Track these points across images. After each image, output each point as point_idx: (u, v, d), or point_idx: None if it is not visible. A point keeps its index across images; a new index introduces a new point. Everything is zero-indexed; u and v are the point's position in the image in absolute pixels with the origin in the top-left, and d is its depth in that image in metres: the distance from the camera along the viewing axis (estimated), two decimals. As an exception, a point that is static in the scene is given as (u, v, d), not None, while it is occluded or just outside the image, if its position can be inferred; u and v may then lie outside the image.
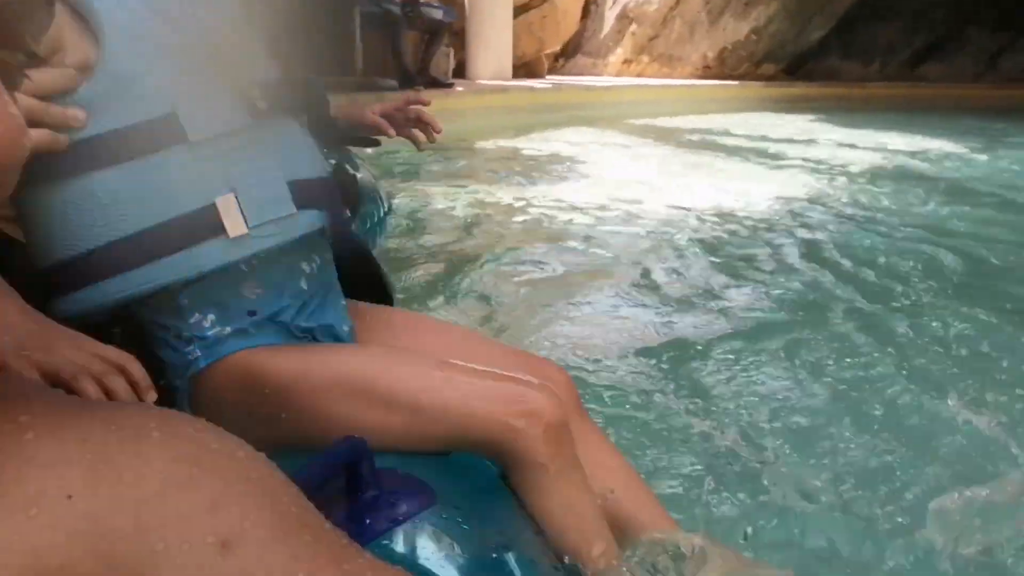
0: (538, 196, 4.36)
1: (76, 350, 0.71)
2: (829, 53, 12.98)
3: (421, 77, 7.56)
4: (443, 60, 9.02)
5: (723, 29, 12.30)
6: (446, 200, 4.19)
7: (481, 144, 6.60)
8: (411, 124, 1.28)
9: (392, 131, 1.27)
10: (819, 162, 5.84)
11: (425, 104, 1.31)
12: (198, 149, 0.79)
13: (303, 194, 0.85)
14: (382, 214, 2.83)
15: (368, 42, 7.14)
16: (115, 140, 0.77)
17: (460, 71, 10.08)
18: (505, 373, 0.90)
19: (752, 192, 4.49)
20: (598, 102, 9.63)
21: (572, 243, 3.36)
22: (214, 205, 0.79)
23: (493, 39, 10.16)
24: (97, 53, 0.78)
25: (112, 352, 0.74)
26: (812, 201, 4.31)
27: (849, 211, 4.09)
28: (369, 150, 1.93)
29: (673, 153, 6.56)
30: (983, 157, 6.38)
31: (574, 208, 4.07)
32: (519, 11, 11.05)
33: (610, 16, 13.20)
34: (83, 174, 0.77)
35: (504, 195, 4.39)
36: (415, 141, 1.30)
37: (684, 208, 4.06)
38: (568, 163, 5.80)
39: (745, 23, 12.09)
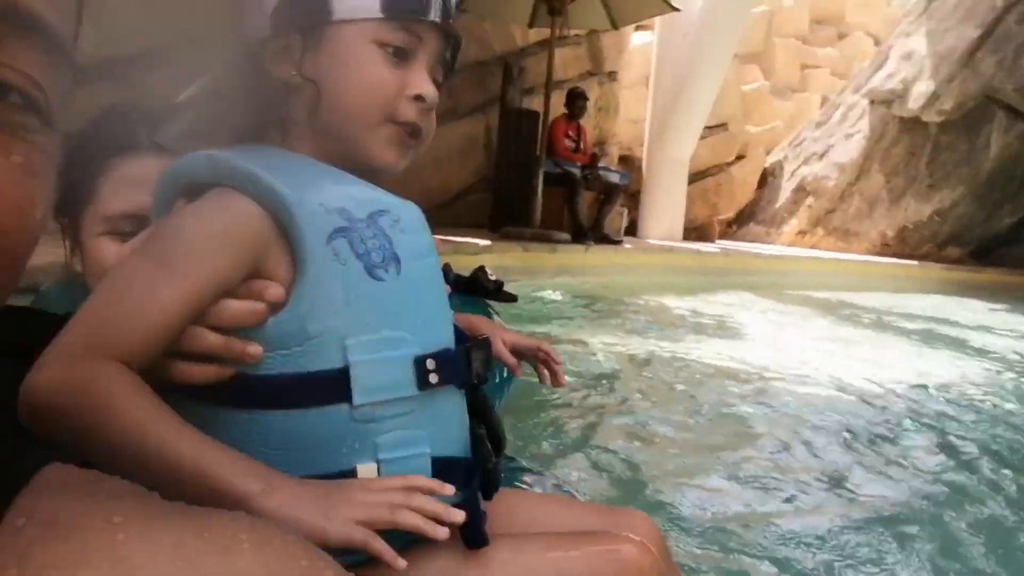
0: (686, 354, 4.51)
1: (366, 492, 0.71)
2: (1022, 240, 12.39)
3: (593, 233, 8.04)
4: (616, 218, 9.52)
5: (904, 209, 12.14)
6: (592, 350, 4.42)
7: (640, 299, 6.85)
8: (539, 363, 1.32)
9: (520, 371, 1.33)
10: (993, 353, 5.61)
11: (556, 361, 1.32)
12: (357, 413, 0.75)
13: (444, 474, 0.80)
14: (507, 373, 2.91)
15: (548, 198, 7.74)
16: (281, 384, 0.74)
17: (632, 229, 10.56)
18: (598, 533, 0.93)
19: (914, 377, 4.40)
20: (767, 270, 9.69)
21: (711, 407, 3.45)
22: (354, 470, 0.76)
23: (666, 203, 10.62)
24: (293, 290, 0.74)
25: (394, 480, 0.74)
26: (978, 393, 4.17)
27: (1014, 410, 3.92)
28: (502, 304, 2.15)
29: (838, 327, 6.50)
30: None
31: (721, 371, 4.17)
32: (695, 177, 11.54)
33: (787, 187, 13.40)
34: (237, 408, 0.74)
35: (651, 350, 4.56)
36: (540, 377, 1.33)
37: (838, 386, 4.06)
38: (724, 326, 5.90)
39: (928, 205, 11.88)
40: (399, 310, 0.77)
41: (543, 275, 6.83)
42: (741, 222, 13.75)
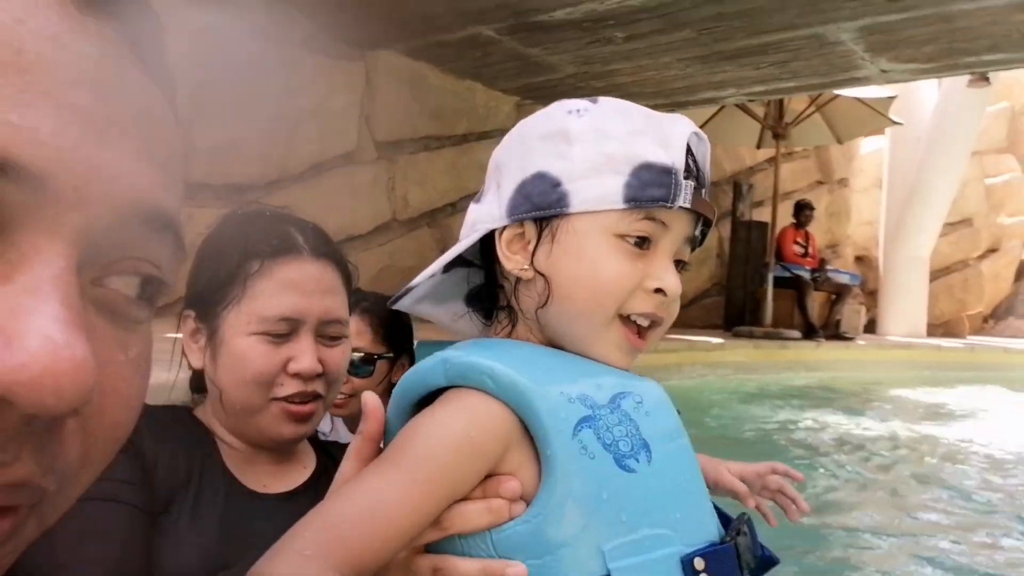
0: (906, 445, 4.97)
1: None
2: None
3: (825, 331, 8.66)
4: (853, 316, 9.98)
5: None
6: (814, 434, 5.09)
7: (873, 391, 7.32)
8: (770, 495, 1.22)
9: (752, 500, 1.20)
10: None
11: (796, 479, 1.23)
12: None
13: None
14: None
15: (778, 300, 8.54)
16: None
17: (872, 327, 10.85)
18: None
19: None
20: (1018, 364, 9.53)
21: (934, 503, 3.55)
22: None
23: (906, 300, 10.83)
24: (541, 490, 0.66)
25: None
26: None
27: None
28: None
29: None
30: None
31: (947, 461, 4.44)
32: (938, 274, 11.59)
33: (1049, 280, 12.81)
34: None
35: (875, 441, 5.05)
36: (766, 516, 1.21)
37: None
38: (959, 419, 6.13)
39: None
40: (656, 504, 0.69)
41: (774, 370, 7.58)
42: (999, 316, 13.26)
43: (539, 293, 0.76)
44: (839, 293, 9.00)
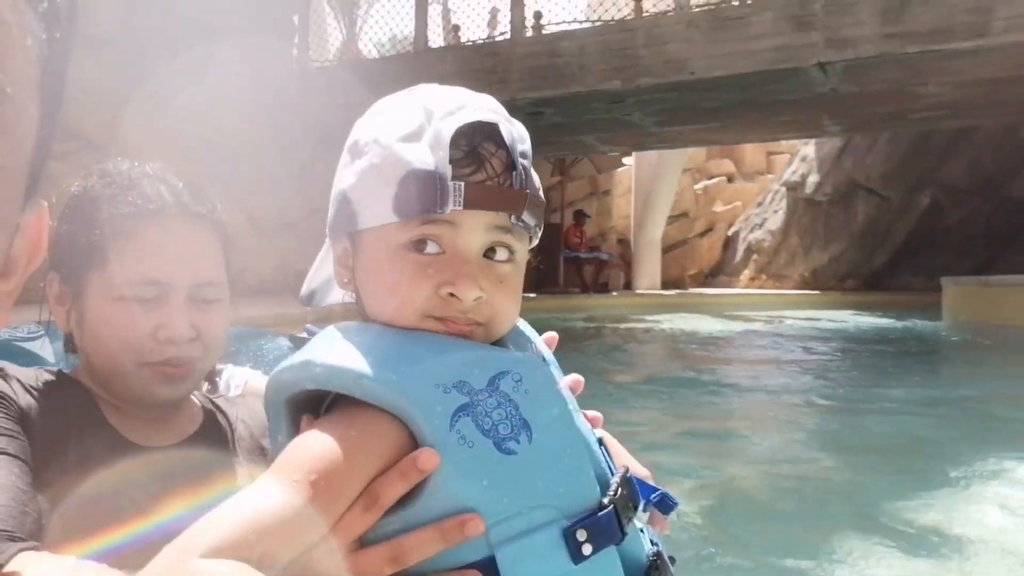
0: (637, 339, 10.80)
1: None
2: (901, 271, 18.32)
3: (593, 288, 14.67)
4: (616, 279, 16.06)
5: (813, 257, 18.29)
6: (588, 335, 10.75)
7: (623, 318, 13.28)
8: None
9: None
10: (862, 330, 11.79)
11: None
12: None
13: None
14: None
15: (567, 271, 14.39)
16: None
17: (629, 285, 17.04)
18: None
19: (808, 329, 10.55)
20: (702, 303, 16.00)
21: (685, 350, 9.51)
22: None
23: (647, 266, 17.12)
24: (426, 485, 0.67)
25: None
26: (835, 336, 10.31)
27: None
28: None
29: (736, 324, 12.75)
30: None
31: (661, 345, 10.41)
32: (668, 249, 18.01)
33: (740, 249, 19.69)
34: None
35: (638, 338, 10.84)
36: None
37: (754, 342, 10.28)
38: (672, 328, 12.20)
39: (827, 253, 18.02)
40: (538, 482, 0.69)
41: (566, 312, 13.33)
42: (713, 275, 20.03)
43: (361, 307, 0.77)
44: (601, 264, 15.03)
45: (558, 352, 0.88)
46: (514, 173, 0.72)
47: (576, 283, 14.64)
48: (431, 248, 0.72)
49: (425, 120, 0.72)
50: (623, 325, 12.52)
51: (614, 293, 15.34)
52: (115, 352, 0.94)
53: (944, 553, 2.75)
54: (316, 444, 0.67)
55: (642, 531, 0.78)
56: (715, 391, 6.41)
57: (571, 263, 14.58)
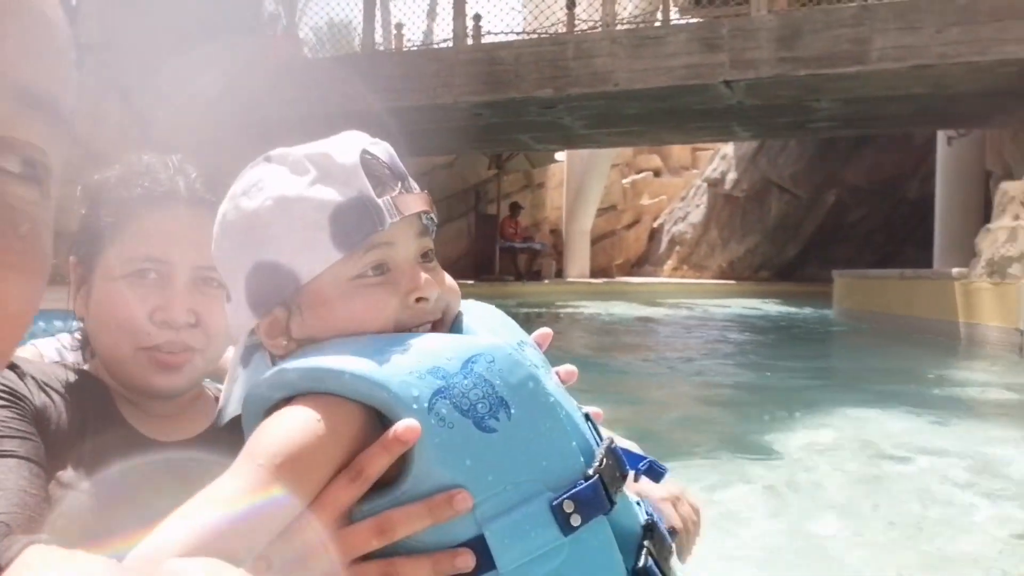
0: (577, 323, 11.76)
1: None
2: (810, 263, 19.83)
3: (527, 275, 15.65)
4: (548, 267, 17.06)
5: (731, 249, 19.66)
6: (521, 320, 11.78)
7: (555, 306, 14.29)
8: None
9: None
10: (768, 314, 12.95)
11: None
12: None
13: None
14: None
15: (502, 260, 15.32)
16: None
17: (560, 273, 18.06)
18: None
19: (722, 315, 11.66)
20: (627, 291, 17.17)
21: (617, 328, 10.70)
22: None
23: (578, 256, 18.19)
24: (411, 469, 0.68)
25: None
26: (747, 318, 11.41)
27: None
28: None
29: (659, 310, 13.87)
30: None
31: (603, 321, 11.42)
32: (596, 240, 19.11)
33: (665, 240, 20.95)
34: None
35: (566, 322, 11.85)
36: None
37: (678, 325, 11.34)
38: (598, 311, 13.23)
39: (743, 246, 19.40)
40: (521, 457, 0.70)
41: (501, 298, 14.27)
42: (639, 265, 21.25)
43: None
44: (534, 254, 16.00)
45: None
46: (409, 180, 0.78)
47: (511, 271, 15.65)
48: (380, 269, 0.75)
49: (313, 166, 0.76)
50: (554, 310, 13.53)
51: (546, 281, 16.37)
52: (115, 336, 0.95)
53: (788, 463, 3.87)
54: (280, 427, 0.68)
55: (639, 504, 0.80)
56: (636, 366, 7.51)
57: (506, 252, 15.57)
